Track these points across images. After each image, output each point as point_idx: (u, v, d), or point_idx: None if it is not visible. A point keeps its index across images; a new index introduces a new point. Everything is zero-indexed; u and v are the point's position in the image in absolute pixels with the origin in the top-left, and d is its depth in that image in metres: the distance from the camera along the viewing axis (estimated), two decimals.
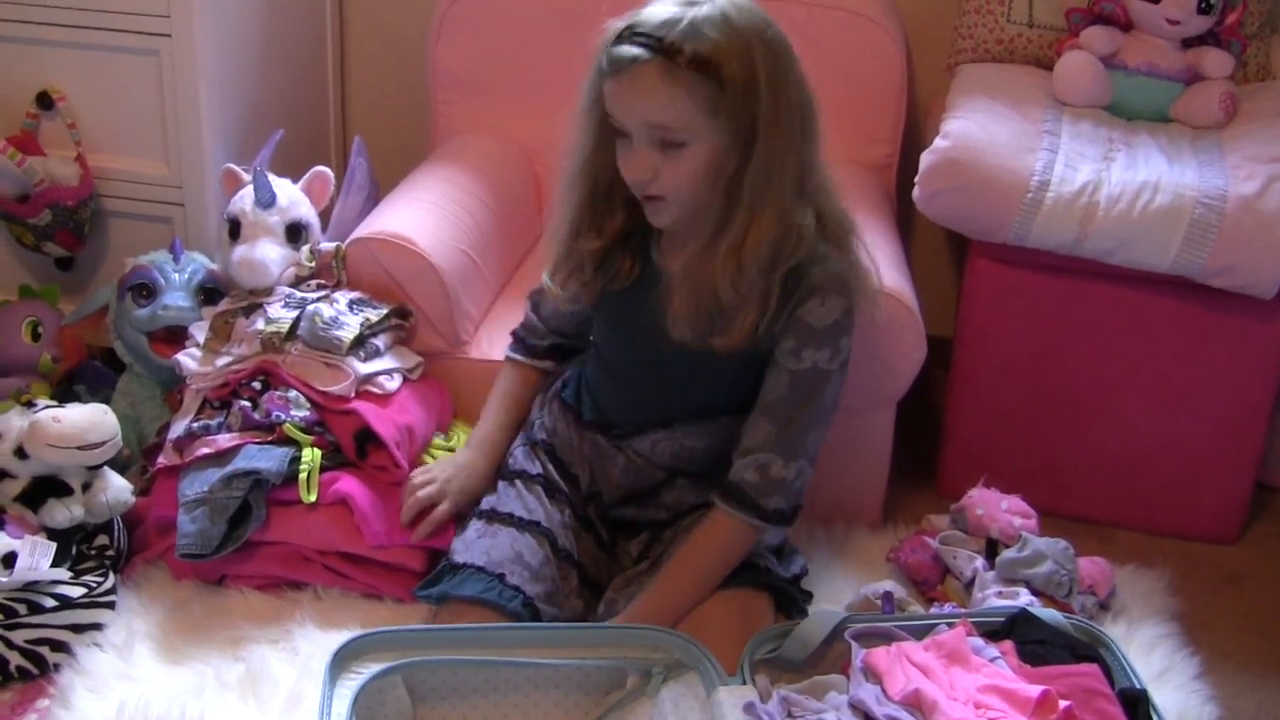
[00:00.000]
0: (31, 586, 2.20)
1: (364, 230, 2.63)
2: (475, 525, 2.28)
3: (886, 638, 1.99)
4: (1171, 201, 2.50)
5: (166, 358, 2.60)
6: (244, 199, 2.66)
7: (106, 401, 2.54)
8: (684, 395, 2.25)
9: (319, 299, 2.52)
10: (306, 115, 3.25)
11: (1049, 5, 2.95)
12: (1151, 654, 2.28)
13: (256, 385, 2.43)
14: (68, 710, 2.09)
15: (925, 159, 2.59)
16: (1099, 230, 2.51)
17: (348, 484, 2.32)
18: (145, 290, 2.66)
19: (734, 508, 2.17)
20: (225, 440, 2.35)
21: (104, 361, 2.87)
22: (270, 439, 2.36)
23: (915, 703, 1.84)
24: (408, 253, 2.56)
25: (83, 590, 2.25)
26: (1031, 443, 2.74)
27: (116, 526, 2.39)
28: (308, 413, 2.39)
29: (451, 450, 2.50)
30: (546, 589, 2.19)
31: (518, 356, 2.47)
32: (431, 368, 2.60)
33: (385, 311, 2.54)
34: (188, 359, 2.51)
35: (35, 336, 2.80)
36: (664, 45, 1.97)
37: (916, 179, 2.61)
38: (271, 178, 2.67)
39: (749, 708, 1.86)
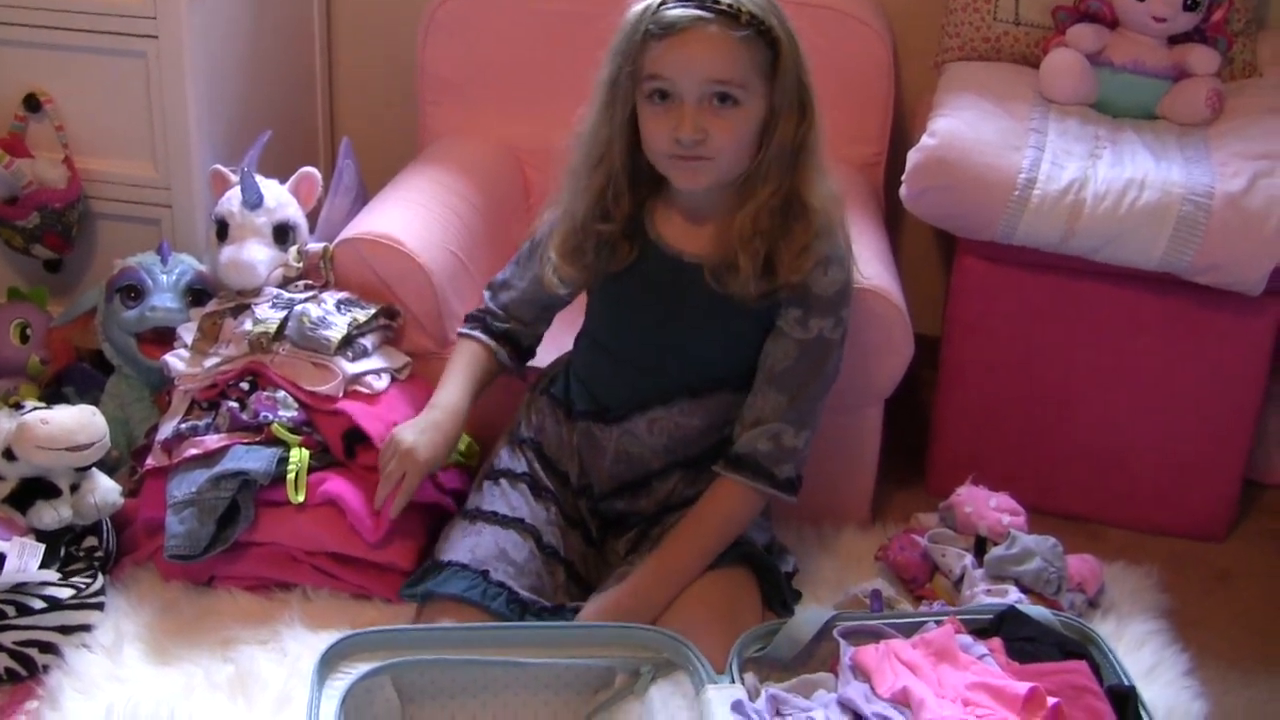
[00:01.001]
0: (20, 588, 2.20)
1: (352, 231, 2.63)
2: (460, 524, 2.29)
3: (875, 635, 1.99)
4: (1158, 199, 2.50)
5: (155, 359, 2.60)
6: (232, 200, 2.66)
7: (95, 403, 2.53)
8: (684, 370, 2.28)
9: (307, 299, 2.52)
10: (294, 116, 3.25)
11: (1035, 3, 2.95)
12: (1140, 651, 2.28)
13: (244, 386, 2.43)
14: (56, 712, 2.09)
15: (912, 157, 2.60)
16: (1086, 228, 2.51)
17: (336, 484, 2.32)
18: (133, 292, 2.66)
19: (747, 477, 2.22)
20: (213, 441, 2.35)
21: (92, 363, 2.87)
22: (258, 439, 2.36)
23: (904, 700, 1.84)
24: (395, 253, 2.56)
25: (71, 591, 2.24)
26: (1020, 440, 2.74)
27: (105, 528, 2.39)
28: (296, 413, 2.39)
29: None
30: (532, 584, 2.20)
31: (475, 333, 2.44)
32: (419, 368, 2.60)
33: (373, 312, 2.53)
34: (176, 360, 2.51)
35: (24, 338, 2.80)
36: (725, 5, 2.08)
37: (904, 177, 2.61)
38: (259, 179, 2.67)
39: (737, 706, 1.86)
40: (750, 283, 2.17)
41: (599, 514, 2.35)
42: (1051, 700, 1.80)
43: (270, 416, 2.37)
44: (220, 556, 2.30)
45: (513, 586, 2.17)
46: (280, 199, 2.69)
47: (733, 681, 1.93)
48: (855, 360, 2.42)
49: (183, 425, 2.40)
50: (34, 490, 2.32)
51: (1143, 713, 1.88)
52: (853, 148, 2.99)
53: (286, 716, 2.07)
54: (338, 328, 2.45)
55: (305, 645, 2.18)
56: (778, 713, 1.88)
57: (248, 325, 2.48)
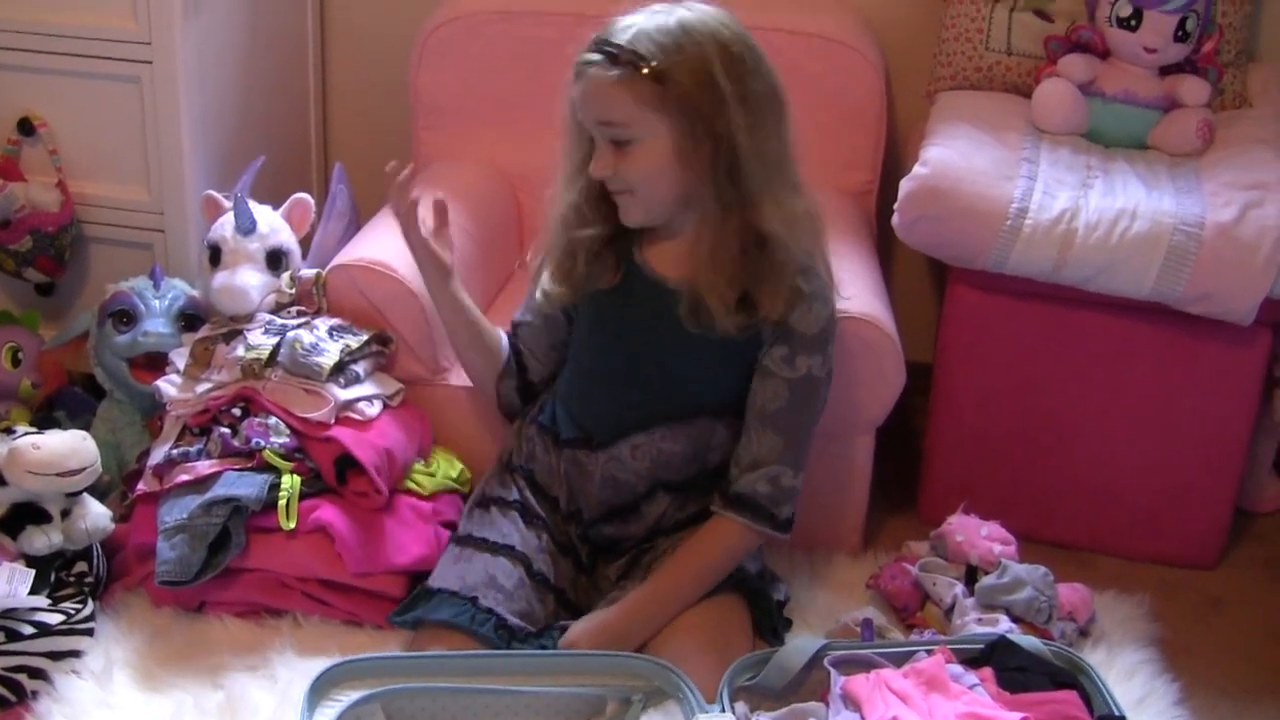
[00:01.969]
0: (9, 614, 2.19)
1: (345, 257, 2.63)
2: (450, 551, 2.30)
3: (866, 665, 1.99)
4: (1149, 229, 2.51)
5: (147, 384, 2.59)
6: (225, 226, 2.66)
7: (86, 428, 2.53)
8: (665, 395, 2.29)
9: (299, 325, 2.52)
10: (288, 142, 3.26)
11: (1027, 33, 2.97)
12: (1131, 680, 2.28)
13: (236, 412, 2.43)
14: None
15: (904, 186, 2.60)
16: (1077, 257, 2.52)
17: (327, 511, 2.32)
18: (125, 316, 2.66)
19: (748, 519, 2.24)
20: (205, 467, 2.35)
21: (84, 387, 2.86)
22: (250, 465, 2.35)
23: None
24: (388, 279, 2.56)
25: (61, 617, 2.24)
26: (1011, 469, 2.75)
27: (95, 553, 2.38)
28: (287, 439, 2.38)
29: (432, 475, 2.50)
30: (521, 610, 2.21)
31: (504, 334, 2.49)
32: (412, 394, 2.60)
33: (365, 338, 2.54)
34: (168, 385, 2.51)
35: (15, 362, 2.80)
36: (608, 48, 2.14)
37: (896, 206, 2.61)
38: (252, 204, 2.67)
39: None
40: (728, 320, 2.19)
41: (589, 540, 2.35)
42: None
43: (262, 443, 2.37)
44: (211, 582, 2.29)
45: (501, 612, 2.17)
46: (273, 225, 2.69)
47: (723, 710, 1.93)
48: (847, 388, 2.43)
49: (174, 451, 2.40)
50: (24, 515, 2.31)
51: None
52: (845, 175, 3.00)
53: None
54: (330, 354, 2.45)
55: (296, 672, 2.17)
56: None
57: (240, 351, 2.48)
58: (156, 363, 2.63)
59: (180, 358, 2.56)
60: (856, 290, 2.50)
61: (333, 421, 2.40)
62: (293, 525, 2.30)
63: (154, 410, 2.63)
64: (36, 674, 2.19)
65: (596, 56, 2.14)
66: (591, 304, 2.34)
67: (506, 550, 2.27)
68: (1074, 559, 2.70)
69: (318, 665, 1.98)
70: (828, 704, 1.94)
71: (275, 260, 2.67)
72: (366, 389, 2.49)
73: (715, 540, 2.26)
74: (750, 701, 1.99)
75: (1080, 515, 2.75)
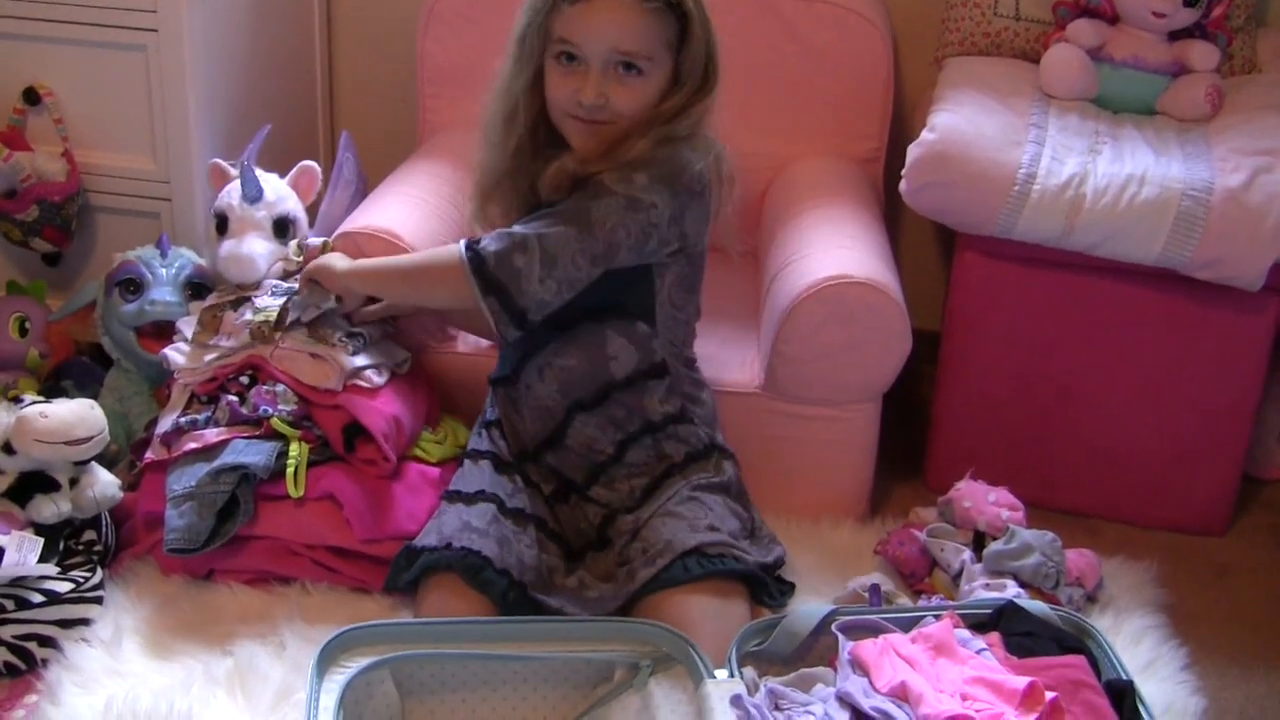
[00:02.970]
0: (19, 582, 2.20)
1: (351, 224, 2.63)
2: (436, 511, 2.34)
3: (874, 630, 1.99)
4: (1158, 194, 2.50)
5: (154, 353, 2.60)
6: (231, 194, 2.66)
7: (94, 397, 2.52)
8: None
9: None
10: (294, 109, 3.25)
11: None
12: (1138, 646, 2.28)
13: (244, 380, 2.43)
14: (56, 706, 2.08)
15: (912, 152, 2.60)
16: (1085, 223, 2.51)
17: (335, 478, 2.32)
18: (132, 285, 2.66)
19: (470, 255, 2.22)
20: (213, 435, 2.35)
21: (91, 357, 2.87)
22: (258, 433, 2.35)
23: (902, 695, 1.84)
24: (395, 247, 2.56)
25: (70, 586, 2.24)
26: (1019, 435, 2.74)
27: (104, 522, 2.38)
28: (295, 407, 2.38)
29: (440, 444, 2.50)
30: (497, 539, 2.21)
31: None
32: (419, 363, 2.60)
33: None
34: (175, 354, 2.51)
35: (22, 332, 2.80)
36: None
37: (903, 172, 2.61)
38: (259, 172, 2.66)
39: (736, 700, 1.86)
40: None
41: (545, 474, 2.39)
42: (1050, 695, 1.80)
43: (270, 410, 2.37)
44: (219, 550, 2.30)
45: (473, 548, 2.18)
46: (280, 193, 2.69)
47: (732, 676, 1.93)
48: (854, 354, 2.42)
49: (182, 419, 2.40)
50: (33, 484, 2.32)
51: (1140, 707, 1.88)
52: (853, 142, 2.99)
53: (285, 711, 2.06)
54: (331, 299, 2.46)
55: (304, 639, 2.18)
56: (776, 707, 1.89)
57: (248, 316, 2.48)
58: (164, 331, 2.63)
59: (188, 326, 2.56)
60: (862, 256, 2.50)
61: (340, 389, 2.40)
62: (301, 493, 2.31)
63: (161, 379, 2.63)
64: (46, 642, 2.20)
65: None
66: None
67: (478, 496, 2.31)
68: (1081, 525, 2.70)
69: (326, 632, 1.98)
70: (836, 669, 1.94)
71: (282, 228, 2.67)
72: (374, 357, 2.48)
73: (441, 253, 2.31)
74: (758, 667, 1.99)
75: (1087, 482, 2.75)
